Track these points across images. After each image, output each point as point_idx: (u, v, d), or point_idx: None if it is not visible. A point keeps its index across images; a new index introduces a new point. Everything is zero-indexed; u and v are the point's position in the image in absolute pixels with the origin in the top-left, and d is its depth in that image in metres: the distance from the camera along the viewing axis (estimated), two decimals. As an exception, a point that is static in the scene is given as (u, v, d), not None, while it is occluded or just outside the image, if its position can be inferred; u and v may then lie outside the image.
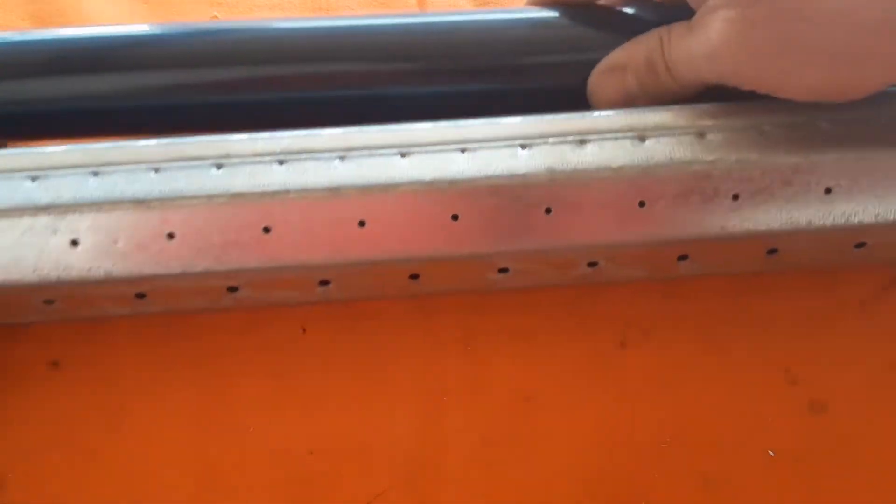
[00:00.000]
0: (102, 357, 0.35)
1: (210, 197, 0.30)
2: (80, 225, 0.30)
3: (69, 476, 0.34)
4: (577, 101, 0.33)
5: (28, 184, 0.30)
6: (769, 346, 0.36)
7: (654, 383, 0.35)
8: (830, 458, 0.34)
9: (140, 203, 0.30)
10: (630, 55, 0.32)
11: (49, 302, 0.32)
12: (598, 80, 0.33)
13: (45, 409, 0.35)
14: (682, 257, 0.32)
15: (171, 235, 0.30)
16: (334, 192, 0.30)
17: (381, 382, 0.35)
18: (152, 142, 0.31)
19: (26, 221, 0.30)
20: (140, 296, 0.31)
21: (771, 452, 0.34)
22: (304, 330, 0.36)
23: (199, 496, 0.34)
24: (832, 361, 0.35)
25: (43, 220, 0.30)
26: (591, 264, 0.32)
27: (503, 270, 0.32)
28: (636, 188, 0.30)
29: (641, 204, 0.30)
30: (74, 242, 0.30)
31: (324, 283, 0.32)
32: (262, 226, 0.30)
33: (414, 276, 0.32)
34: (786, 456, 0.33)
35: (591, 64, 0.33)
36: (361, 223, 0.30)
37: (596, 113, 0.31)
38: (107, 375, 0.35)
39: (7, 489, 0.34)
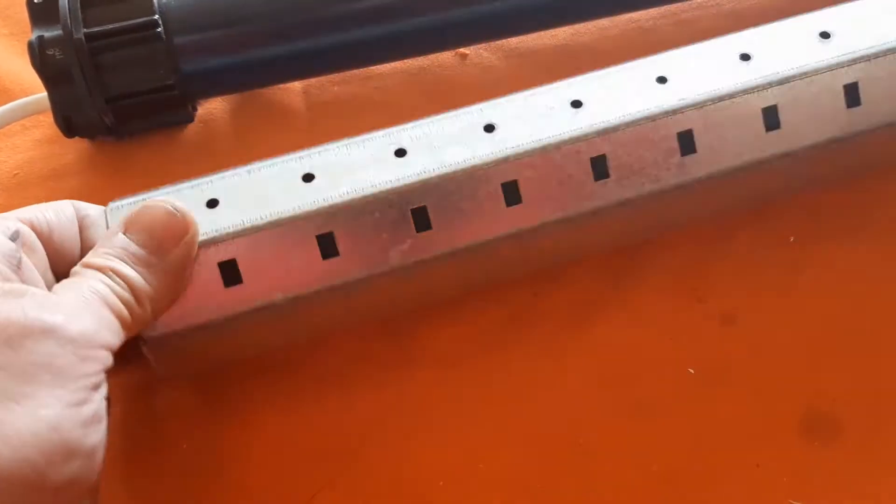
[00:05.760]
0: None
1: None
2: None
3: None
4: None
5: None
6: (674, 271, 0.37)
7: (568, 325, 0.36)
8: (745, 368, 0.35)
9: None
10: None
11: None
12: None
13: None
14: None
15: None
16: None
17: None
18: None
19: None
20: None
21: (691, 370, 0.34)
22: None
23: None
24: (734, 273, 0.37)
25: None
26: None
27: None
28: None
29: None
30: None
31: None
32: None
33: None
34: (705, 372, 0.35)
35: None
36: None
37: None
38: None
39: None
